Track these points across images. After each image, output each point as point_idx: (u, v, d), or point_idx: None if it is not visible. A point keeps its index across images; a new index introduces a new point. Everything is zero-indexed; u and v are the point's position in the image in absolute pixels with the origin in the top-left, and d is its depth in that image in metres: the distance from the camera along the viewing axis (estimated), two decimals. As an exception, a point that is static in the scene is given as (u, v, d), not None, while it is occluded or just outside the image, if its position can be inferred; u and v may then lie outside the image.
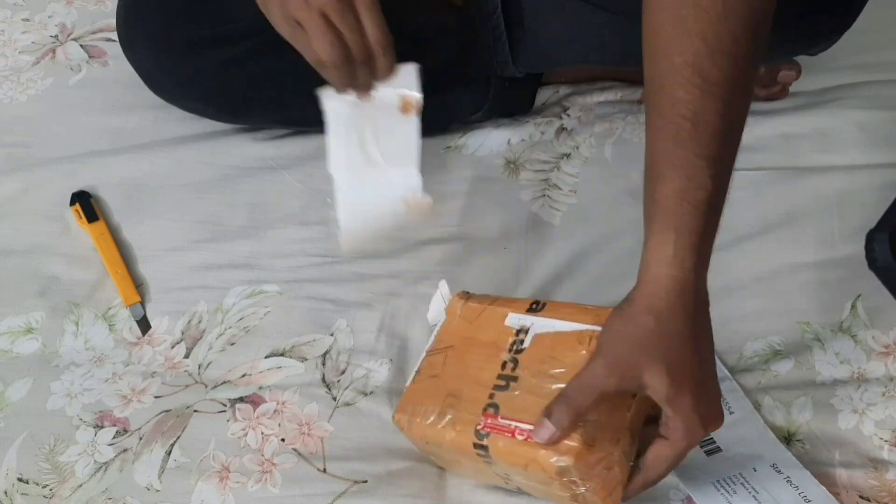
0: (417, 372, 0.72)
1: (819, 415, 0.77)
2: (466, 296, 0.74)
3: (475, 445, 0.65)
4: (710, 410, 0.62)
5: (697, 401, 0.60)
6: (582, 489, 0.62)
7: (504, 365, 0.67)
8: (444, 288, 0.77)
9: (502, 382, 0.66)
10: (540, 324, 0.69)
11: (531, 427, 0.62)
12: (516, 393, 0.65)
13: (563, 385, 0.62)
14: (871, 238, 0.47)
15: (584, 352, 0.64)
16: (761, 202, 0.91)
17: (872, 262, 0.47)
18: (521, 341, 0.68)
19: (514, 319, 0.70)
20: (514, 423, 0.63)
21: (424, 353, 0.73)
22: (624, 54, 0.94)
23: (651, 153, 0.62)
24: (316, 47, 0.70)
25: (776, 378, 0.79)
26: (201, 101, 0.96)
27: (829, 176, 0.93)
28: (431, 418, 0.67)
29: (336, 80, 0.73)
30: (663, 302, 0.60)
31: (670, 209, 0.60)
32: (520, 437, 0.63)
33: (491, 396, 0.66)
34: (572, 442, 0.61)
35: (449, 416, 0.66)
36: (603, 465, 0.62)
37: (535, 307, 0.70)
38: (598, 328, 0.65)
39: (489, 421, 0.64)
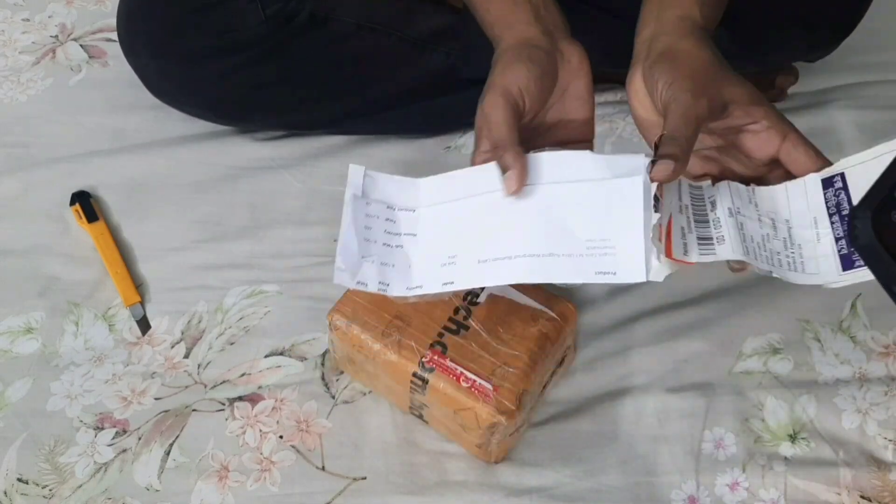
0: None
1: (822, 413, 0.77)
2: None
3: (415, 375, 0.70)
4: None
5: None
6: (493, 441, 0.71)
7: (457, 311, 0.73)
8: None
9: (453, 326, 0.72)
10: (495, 286, 0.72)
11: (476, 378, 0.69)
12: (465, 341, 0.71)
13: (510, 350, 0.71)
14: (853, 216, 0.46)
15: (534, 329, 0.72)
16: (761, 202, 0.92)
17: (854, 239, 0.47)
18: (476, 294, 0.74)
19: None
20: (460, 369, 0.70)
21: None
22: (624, 57, 0.94)
23: None
24: None
25: (777, 378, 0.79)
26: (202, 107, 0.96)
27: (828, 176, 0.93)
28: (373, 332, 0.72)
29: None
30: (691, 36, 0.63)
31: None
32: (464, 385, 0.69)
33: (440, 336, 0.71)
34: (510, 404, 0.68)
35: (394, 338, 0.71)
36: (519, 426, 0.72)
37: None
38: (549, 310, 0.73)
39: (436, 358, 0.70)
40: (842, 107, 1.00)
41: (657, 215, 0.59)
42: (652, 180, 0.58)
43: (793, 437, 0.76)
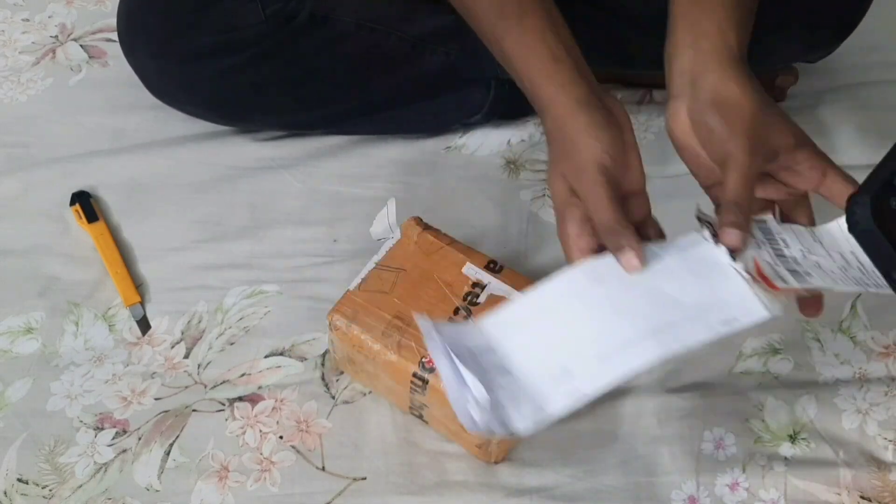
0: (363, 280, 0.74)
1: (823, 414, 0.77)
2: (422, 224, 0.78)
3: (415, 375, 0.70)
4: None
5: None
6: (493, 442, 0.70)
7: (457, 311, 0.72)
8: (391, 206, 0.81)
9: None
10: (496, 285, 0.73)
11: None
12: None
13: None
14: (852, 201, 0.46)
15: None
16: (761, 202, 0.92)
17: (853, 225, 0.46)
18: (476, 295, 0.73)
19: (472, 271, 0.74)
20: None
21: (373, 265, 0.75)
22: (625, 57, 0.94)
23: None
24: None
25: (777, 378, 0.79)
26: (202, 106, 0.96)
27: (828, 176, 0.93)
28: (373, 333, 0.72)
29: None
30: (737, 75, 0.61)
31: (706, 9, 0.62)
32: None
33: None
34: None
35: (394, 338, 0.71)
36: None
37: (493, 266, 0.75)
38: None
39: None
40: (842, 107, 1.00)
41: (740, 263, 0.60)
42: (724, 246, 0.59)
43: (793, 438, 0.76)
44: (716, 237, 0.61)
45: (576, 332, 0.61)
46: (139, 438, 0.77)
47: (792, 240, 0.66)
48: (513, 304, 0.64)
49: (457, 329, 0.64)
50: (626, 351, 0.59)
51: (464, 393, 0.58)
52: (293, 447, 0.76)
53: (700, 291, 0.60)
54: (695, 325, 0.59)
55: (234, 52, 0.90)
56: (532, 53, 0.64)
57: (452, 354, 0.59)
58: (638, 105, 1.02)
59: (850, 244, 0.63)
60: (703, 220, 0.64)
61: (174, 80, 0.93)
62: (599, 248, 0.61)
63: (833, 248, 0.66)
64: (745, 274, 0.60)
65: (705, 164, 0.63)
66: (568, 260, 0.62)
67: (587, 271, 0.63)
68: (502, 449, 0.73)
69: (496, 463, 0.74)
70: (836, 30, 0.85)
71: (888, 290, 0.62)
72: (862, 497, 0.72)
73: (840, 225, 0.65)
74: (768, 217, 0.67)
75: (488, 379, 0.59)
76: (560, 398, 0.59)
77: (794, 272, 0.64)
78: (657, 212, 0.92)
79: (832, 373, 0.80)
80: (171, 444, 0.76)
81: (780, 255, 0.65)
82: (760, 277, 0.62)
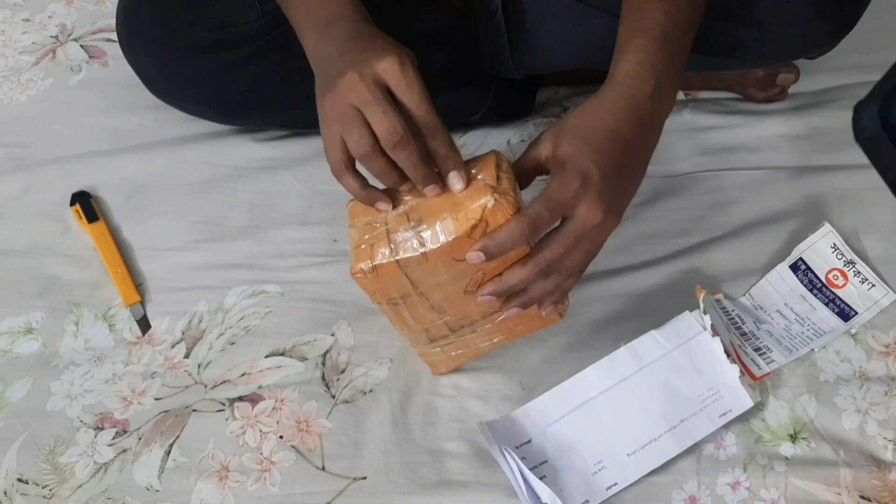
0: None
1: (823, 413, 0.77)
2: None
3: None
4: (615, 200, 0.65)
5: (596, 169, 0.63)
6: (490, 201, 0.64)
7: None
8: None
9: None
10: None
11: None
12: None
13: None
14: (859, 109, 0.45)
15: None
16: (761, 201, 0.92)
17: (860, 132, 0.45)
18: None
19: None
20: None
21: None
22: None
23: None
24: (348, 143, 0.65)
25: (778, 376, 0.79)
26: (201, 103, 0.96)
27: (828, 176, 0.93)
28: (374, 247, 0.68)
29: (377, 171, 0.66)
30: (602, 101, 0.66)
31: (625, 39, 0.68)
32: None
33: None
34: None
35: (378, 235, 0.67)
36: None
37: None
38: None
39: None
40: (842, 106, 1.00)
41: (717, 338, 0.75)
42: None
43: (793, 437, 0.76)
44: (713, 329, 0.76)
45: (606, 429, 0.74)
46: (139, 438, 0.77)
47: (743, 314, 0.82)
48: (544, 398, 0.75)
49: (505, 425, 0.74)
50: (651, 448, 0.73)
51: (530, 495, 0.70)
52: (293, 447, 0.76)
53: (702, 385, 0.75)
54: (701, 421, 0.74)
55: (231, 49, 0.89)
56: None
57: (519, 466, 0.70)
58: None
59: (781, 295, 0.83)
60: (706, 310, 0.77)
61: (172, 77, 0.93)
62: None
63: (770, 307, 0.83)
64: (737, 370, 0.75)
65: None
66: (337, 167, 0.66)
67: (606, 367, 0.76)
68: None
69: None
70: (837, 26, 0.85)
71: (824, 339, 0.80)
72: (862, 497, 0.72)
73: (769, 280, 0.84)
74: (720, 296, 0.82)
75: (531, 468, 0.71)
76: (600, 492, 0.72)
77: (757, 350, 0.80)
78: (657, 211, 0.92)
79: (833, 371, 0.80)
80: (171, 444, 0.76)
81: (743, 334, 0.81)
82: (741, 364, 0.76)
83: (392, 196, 0.68)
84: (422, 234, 0.65)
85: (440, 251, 0.65)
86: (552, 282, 0.67)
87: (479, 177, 0.66)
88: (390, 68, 0.63)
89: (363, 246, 0.67)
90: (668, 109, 0.69)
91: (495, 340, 0.75)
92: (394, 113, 0.63)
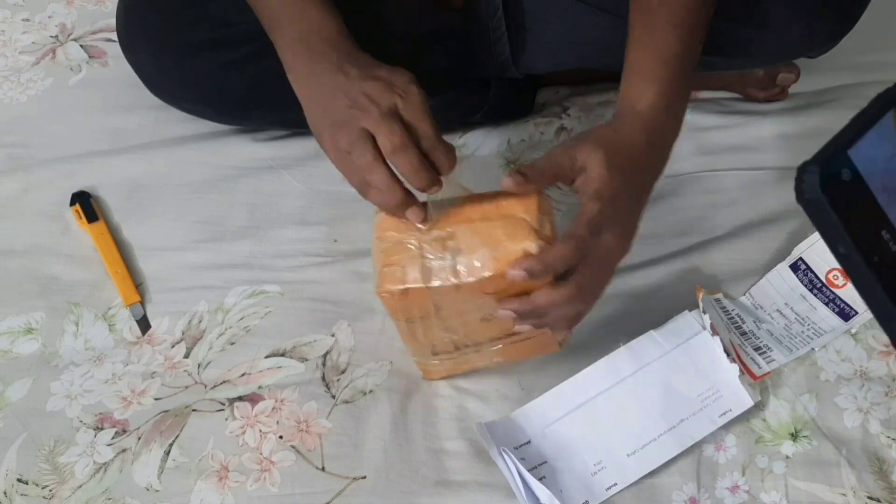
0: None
1: (824, 412, 0.77)
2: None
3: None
4: (621, 223, 0.67)
5: (621, 196, 0.66)
6: (533, 247, 0.65)
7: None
8: None
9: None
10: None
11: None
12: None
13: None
14: (802, 170, 0.45)
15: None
16: (761, 201, 0.92)
17: (801, 194, 0.45)
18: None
19: None
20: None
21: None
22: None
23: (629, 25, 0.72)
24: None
25: (779, 375, 0.79)
26: (201, 103, 0.96)
27: (829, 176, 0.93)
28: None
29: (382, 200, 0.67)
30: (626, 122, 0.68)
31: (645, 65, 0.69)
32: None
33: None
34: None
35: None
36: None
37: None
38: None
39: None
40: (843, 106, 1.00)
41: (717, 337, 0.75)
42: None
43: (794, 436, 0.76)
44: (712, 328, 0.76)
45: (606, 430, 0.74)
46: (139, 438, 0.77)
47: (743, 313, 0.82)
48: (543, 398, 0.75)
49: (504, 426, 0.74)
50: (651, 448, 0.73)
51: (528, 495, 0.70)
52: (293, 447, 0.76)
53: (702, 385, 0.75)
54: (700, 421, 0.74)
55: (232, 48, 0.89)
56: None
57: (518, 467, 0.70)
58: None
59: (781, 295, 0.83)
60: (705, 310, 0.77)
61: (172, 76, 0.93)
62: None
63: (770, 307, 0.83)
64: (736, 369, 0.75)
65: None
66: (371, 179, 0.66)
67: (605, 368, 0.76)
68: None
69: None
70: (837, 26, 0.85)
71: (824, 339, 0.79)
72: (870, 498, 0.72)
73: (769, 279, 0.83)
74: (719, 295, 0.82)
75: (533, 472, 0.71)
76: (600, 492, 0.71)
77: (758, 349, 0.79)
78: (657, 211, 0.92)
79: (833, 370, 0.79)
80: (171, 444, 0.76)
81: (743, 333, 0.80)
82: (741, 364, 0.76)
83: (425, 216, 0.67)
84: (458, 266, 0.66)
85: (473, 285, 0.65)
86: (573, 307, 0.67)
87: (521, 216, 0.66)
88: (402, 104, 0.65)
89: (394, 266, 0.67)
90: (676, 137, 0.71)
91: (494, 361, 0.76)
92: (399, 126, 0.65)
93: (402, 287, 0.66)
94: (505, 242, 0.65)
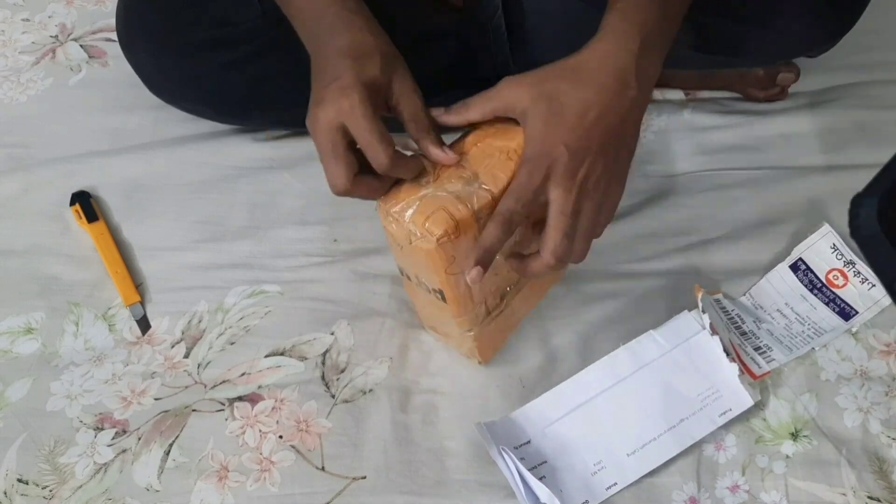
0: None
1: (824, 412, 0.77)
2: None
3: None
4: (603, 171, 0.65)
5: (581, 155, 0.64)
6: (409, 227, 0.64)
7: None
8: None
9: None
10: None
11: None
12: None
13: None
14: (857, 203, 0.43)
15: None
16: (761, 201, 0.92)
17: (856, 229, 0.43)
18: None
19: None
20: None
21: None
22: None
23: None
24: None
25: (779, 375, 0.79)
26: (200, 102, 0.96)
27: (828, 176, 0.93)
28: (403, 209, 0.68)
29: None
30: (591, 62, 0.65)
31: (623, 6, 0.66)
32: None
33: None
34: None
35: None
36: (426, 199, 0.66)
37: None
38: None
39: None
40: (843, 106, 1.00)
41: (716, 337, 0.76)
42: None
43: (794, 435, 0.76)
44: (712, 328, 0.76)
45: (606, 429, 0.74)
46: (139, 438, 0.77)
47: (743, 313, 0.82)
48: (544, 398, 0.75)
49: (504, 426, 0.74)
50: (651, 447, 0.73)
51: (528, 493, 0.70)
52: (293, 447, 0.76)
53: (702, 384, 0.75)
54: (701, 420, 0.74)
55: (232, 48, 0.89)
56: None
57: (518, 466, 0.70)
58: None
59: (781, 295, 0.83)
60: (704, 309, 0.77)
61: (172, 76, 0.93)
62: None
63: (771, 307, 0.83)
64: (736, 369, 0.75)
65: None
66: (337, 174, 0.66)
67: (605, 367, 0.76)
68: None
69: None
70: (837, 25, 0.85)
71: (824, 338, 0.79)
72: (870, 497, 0.72)
73: (769, 279, 0.84)
74: (719, 295, 0.82)
75: (533, 471, 0.71)
76: (600, 492, 0.72)
77: (758, 349, 0.80)
78: (657, 211, 0.92)
79: (833, 369, 0.79)
80: (171, 444, 0.76)
81: (743, 333, 0.81)
82: (741, 363, 0.76)
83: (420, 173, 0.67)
84: (482, 184, 0.66)
85: (502, 191, 0.65)
86: (574, 245, 0.67)
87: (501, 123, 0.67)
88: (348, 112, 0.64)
89: (431, 215, 0.65)
90: (655, 74, 0.68)
91: (531, 302, 0.78)
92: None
93: (452, 223, 0.64)
94: (506, 143, 0.66)
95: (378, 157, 0.64)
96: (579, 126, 0.64)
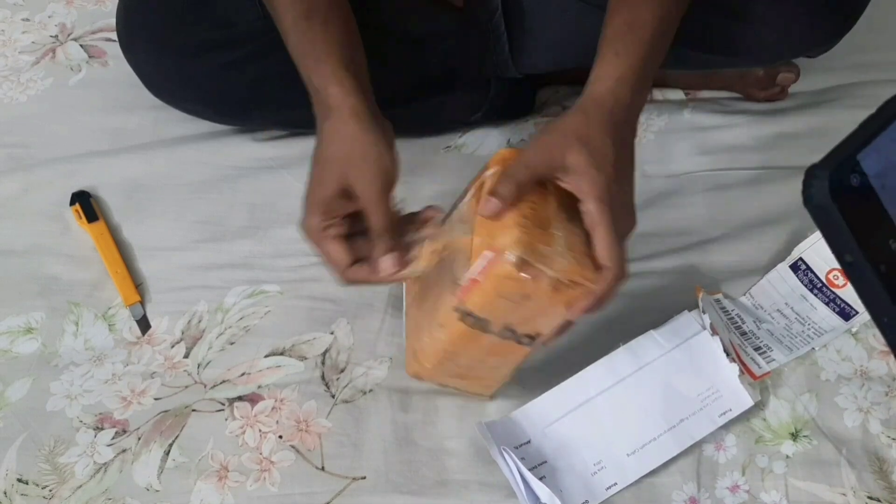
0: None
1: (824, 412, 0.77)
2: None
3: (463, 318, 0.66)
4: (624, 204, 0.66)
5: (613, 187, 0.65)
6: (549, 272, 0.63)
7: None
8: None
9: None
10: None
11: (482, 262, 0.64)
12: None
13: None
14: (810, 174, 0.43)
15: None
16: (761, 201, 0.92)
17: (808, 199, 0.43)
18: None
19: None
20: (469, 276, 0.65)
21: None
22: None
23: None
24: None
25: (779, 375, 0.79)
26: (200, 103, 0.96)
27: (829, 176, 0.93)
28: (425, 339, 0.70)
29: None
30: (597, 108, 0.67)
31: (617, 38, 0.68)
32: (480, 278, 0.64)
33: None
34: (510, 233, 0.63)
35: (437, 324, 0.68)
36: (549, 245, 0.64)
37: None
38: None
39: (459, 293, 0.65)
40: (843, 106, 1.00)
41: (717, 337, 0.76)
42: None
43: (794, 435, 0.76)
44: (712, 328, 0.76)
45: (606, 429, 0.74)
46: (139, 438, 0.77)
47: (743, 313, 0.82)
48: (544, 398, 0.75)
49: (504, 426, 0.74)
50: (651, 447, 0.73)
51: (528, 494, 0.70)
52: (293, 447, 0.76)
53: (702, 384, 0.75)
54: (701, 420, 0.74)
55: (232, 49, 0.90)
56: (330, 58, 0.73)
57: (518, 466, 0.70)
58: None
59: (781, 295, 0.83)
60: (704, 309, 0.77)
61: (172, 76, 0.93)
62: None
63: (771, 307, 0.83)
64: (736, 369, 0.75)
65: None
66: (322, 249, 0.72)
67: (605, 367, 0.76)
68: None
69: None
70: (837, 25, 0.85)
71: (824, 338, 0.79)
72: (870, 497, 0.72)
73: (770, 279, 0.83)
74: (719, 296, 0.83)
75: (533, 471, 0.70)
76: (600, 492, 0.71)
77: (758, 349, 0.80)
78: (657, 211, 0.92)
79: (834, 369, 0.79)
80: (171, 444, 0.76)
81: (743, 333, 0.81)
82: (741, 363, 0.76)
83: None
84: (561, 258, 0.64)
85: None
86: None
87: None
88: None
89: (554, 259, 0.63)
90: (641, 107, 0.71)
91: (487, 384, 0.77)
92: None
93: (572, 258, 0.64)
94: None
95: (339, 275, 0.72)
96: (612, 164, 0.66)
